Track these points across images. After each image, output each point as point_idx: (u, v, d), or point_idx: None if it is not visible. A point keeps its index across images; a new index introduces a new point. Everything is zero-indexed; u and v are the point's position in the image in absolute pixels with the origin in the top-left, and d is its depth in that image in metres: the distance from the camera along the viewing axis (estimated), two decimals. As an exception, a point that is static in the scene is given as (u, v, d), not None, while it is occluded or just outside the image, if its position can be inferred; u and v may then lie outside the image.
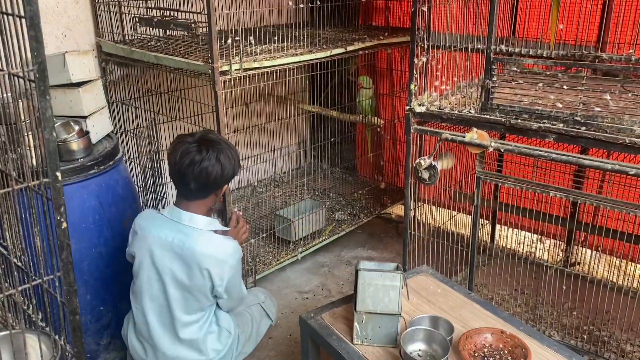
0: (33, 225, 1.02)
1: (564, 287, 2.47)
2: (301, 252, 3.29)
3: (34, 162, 1.93)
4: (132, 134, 3.21)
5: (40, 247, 1.01)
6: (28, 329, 1.16)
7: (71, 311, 1.03)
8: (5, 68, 0.93)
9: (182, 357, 2.06)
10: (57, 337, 1.11)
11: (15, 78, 0.97)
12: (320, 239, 3.43)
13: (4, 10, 0.89)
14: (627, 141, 1.90)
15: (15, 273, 1.12)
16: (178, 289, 2.00)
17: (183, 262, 1.97)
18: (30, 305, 1.16)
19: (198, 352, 2.07)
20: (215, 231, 2.05)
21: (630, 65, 1.89)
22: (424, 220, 2.76)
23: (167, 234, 1.98)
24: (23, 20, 0.89)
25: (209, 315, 2.10)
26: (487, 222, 3.35)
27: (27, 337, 1.10)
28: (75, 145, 2.39)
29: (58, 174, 0.93)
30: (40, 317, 1.14)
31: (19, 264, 1.12)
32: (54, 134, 0.91)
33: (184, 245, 1.96)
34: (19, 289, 0.99)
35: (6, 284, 1.22)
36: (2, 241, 1.10)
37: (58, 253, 0.97)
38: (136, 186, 3.11)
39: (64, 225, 0.95)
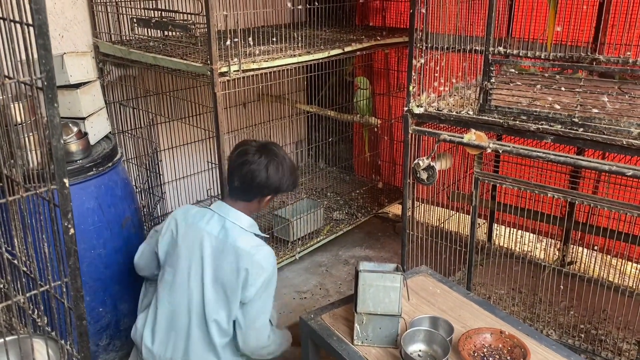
0: (40, 231, 1.03)
1: (562, 287, 2.49)
2: (299, 252, 3.30)
3: (36, 164, 1.94)
4: (130, 135, 3.21)
5: (47, 253, 1.01)
6: (35, 333, 1.17)
7: (78, 316, 1.04)
8: (14, 75, 0.93)
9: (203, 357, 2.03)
10: (63, 341, 1.12)
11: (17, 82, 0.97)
12: (318, 239, 3.44)
13: (12, 18, 0.89)
14: (625, 142, 1.92)
15: (23, 279, 1.12)
16: (213, 284, 1.98)
17: (222, 258, 1.97)
18: (36, 310, 1.16)
19: (216, 356, 2.03)
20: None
21: (628, 68, 1.90)
22: (421, 219, 2.77)
23: (213, 227, 2.00)
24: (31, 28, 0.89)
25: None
26: (484, 221, 3.37)
27: (34, 342, 1.11)
28: (74, 146, 2.39)
29: (66, 180, 0.93)
30: (45, 321, 1.15)
31: (24, 268, 1.13)
32: (62, 141, 0.92)
33: (226, 240, 1.97)
34: (27, 295, 1.00)
35: (12, 290, 1.22)
36: (7, 246, 1.10)
37: (65, 259, 0.98)
38: (134, 187, 3.11)
39: (72, 231, 0.95)
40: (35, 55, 0.90)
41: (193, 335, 2.00)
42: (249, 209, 2.09)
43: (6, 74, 0.97)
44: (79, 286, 1.00)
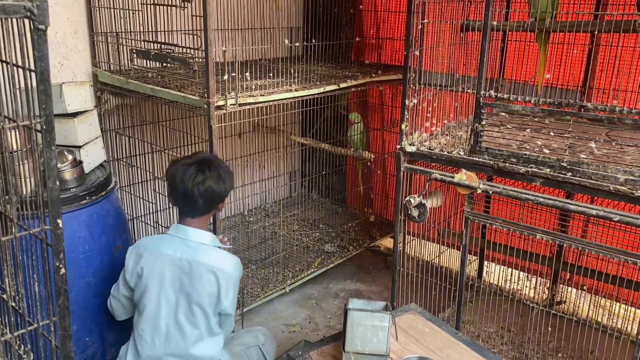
0: (31, 270, 1.03)
1: (549, 329, 2.50)
2: (290, 285, 3.29)
3: (27, 191, 1.94)
4: (124, 163, 3.23)
5: (38, 291, 1.02)
6: (20, 371, 1.16)
7: (65, 355, 1.04)
8: (14, 117, 0.96)
9: None
10: (48, 379, 1.12)
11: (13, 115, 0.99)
12: (309, 271, 3.44)
13: (16, 62, 0.92)
14: (612, 188, 1.95)
15: (11, 314, 1.12)
16: (188, 304, 2.04)
17: (191, 277, 2.02)
18: (22, 346, 1.16)
19: None
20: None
21: (615, 116, 1.96)
22: (412, 254, 2.78)
23: (175, 250, 2.05)
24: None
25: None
26: (475, 257, 3.39)
27: (18, 380, 1.10)
28: (69, 174, 2.40)
29: (59, 221, 0.95)
30: (32, 358, 1.15)
31: (13, 304, 1.13)
32: (57, 183, 0.93)
33: (192, 259, 2.03)
34: (16, 334, 1.00)
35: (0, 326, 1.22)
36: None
37: (55, 298, 0.98)
38: (127, 215, 3.10)
39: (63, 271, 0.96)
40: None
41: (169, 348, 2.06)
42: (206, 221, 2.17)
43: (6, 114, 1.00)
44: (67, 325, 1.00)
